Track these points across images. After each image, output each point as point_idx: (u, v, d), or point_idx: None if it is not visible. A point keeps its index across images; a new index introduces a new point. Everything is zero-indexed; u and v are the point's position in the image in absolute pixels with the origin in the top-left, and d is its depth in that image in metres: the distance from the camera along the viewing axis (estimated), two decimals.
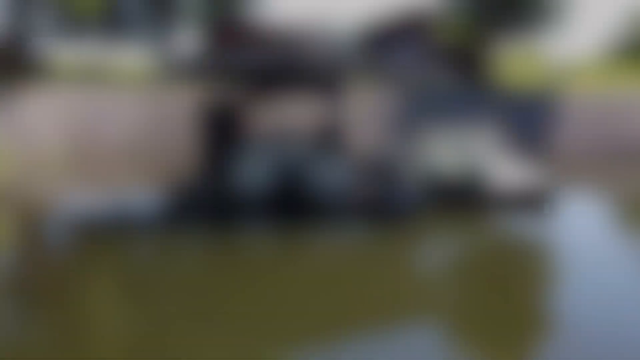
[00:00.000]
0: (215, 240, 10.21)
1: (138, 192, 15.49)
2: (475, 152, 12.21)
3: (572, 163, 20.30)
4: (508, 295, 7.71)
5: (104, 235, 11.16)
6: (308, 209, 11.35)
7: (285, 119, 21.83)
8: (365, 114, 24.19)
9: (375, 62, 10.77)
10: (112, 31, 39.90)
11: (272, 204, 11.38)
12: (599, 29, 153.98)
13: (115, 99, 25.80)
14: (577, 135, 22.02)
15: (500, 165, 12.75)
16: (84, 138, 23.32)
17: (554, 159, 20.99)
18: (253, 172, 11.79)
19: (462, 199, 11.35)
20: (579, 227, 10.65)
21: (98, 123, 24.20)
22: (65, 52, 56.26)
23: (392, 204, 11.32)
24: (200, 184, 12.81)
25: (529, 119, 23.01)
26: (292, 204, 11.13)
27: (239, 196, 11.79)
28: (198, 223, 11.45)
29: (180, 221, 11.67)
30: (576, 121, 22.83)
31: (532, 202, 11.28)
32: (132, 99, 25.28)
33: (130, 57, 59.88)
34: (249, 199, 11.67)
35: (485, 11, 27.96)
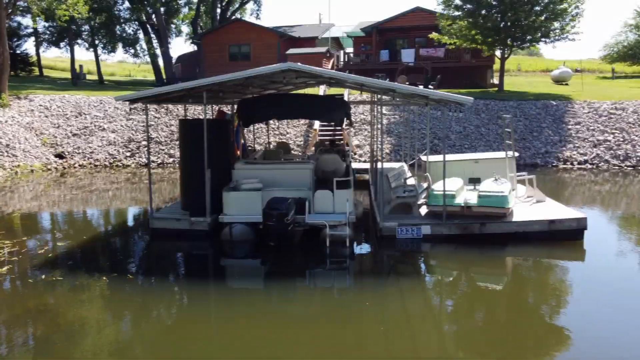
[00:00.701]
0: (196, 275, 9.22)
1: (123, 208, 14.58)
2: (494, 178, 11.32)
3: (574, 169, 19.92)
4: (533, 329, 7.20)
5: (86, 249, 10.66)
6: (299, 241, 10.35)
7: (281, 139, 21.03)
8: (365, 135, 23.70)
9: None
10: (101, 35, 39.19)
11: (264, 235, 9.94)
12: (600, 34, 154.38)
13: (104, 105, 25.28)
14: (579, 140, 21.64)
15: (519, 194, 11.97)
16: (69, 146, 22.74)
17: (555, 164, 20.60)
18: (241, 198, 10.52)
19: (479, 229, 10.32)
20: (603, 253, 9.96)
21: (84, 131, 23.64)
22: (53, 56, 55.25)
23: (398, 235, 10.33)
24: (185, 206, 11.63)
25: (531, 123, 22.59)
26: (286, 235, 9.71)
27: (226, 226, 10.50)
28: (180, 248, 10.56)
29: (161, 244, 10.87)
30: (577, 124, 22.46)
31: (555, 230, 10.33)
32: (121, 106, 24.68)
33: (118, 62, 59.02)
34: (237, 230, 10.38)
35: (489, 14, 27.61)
